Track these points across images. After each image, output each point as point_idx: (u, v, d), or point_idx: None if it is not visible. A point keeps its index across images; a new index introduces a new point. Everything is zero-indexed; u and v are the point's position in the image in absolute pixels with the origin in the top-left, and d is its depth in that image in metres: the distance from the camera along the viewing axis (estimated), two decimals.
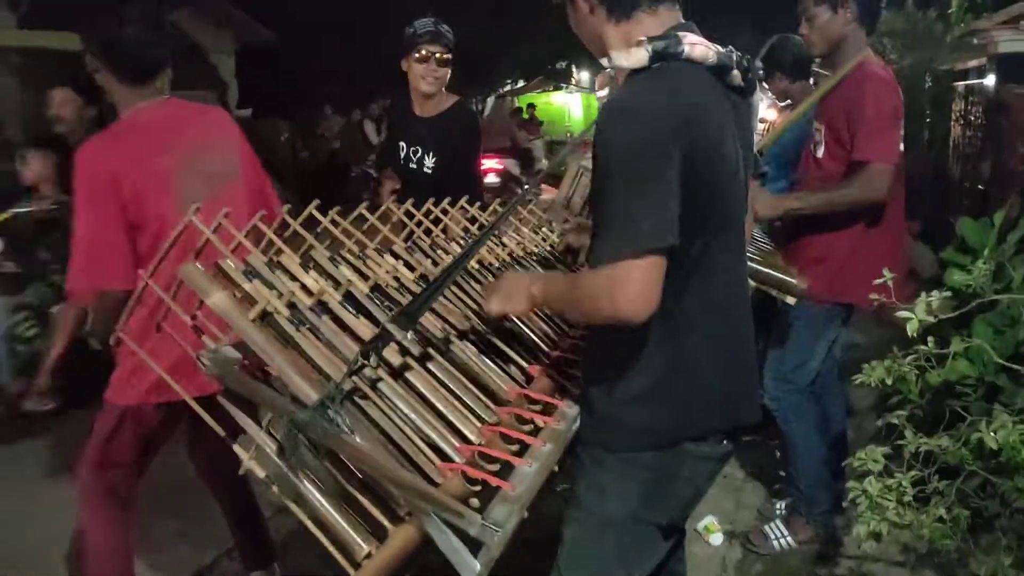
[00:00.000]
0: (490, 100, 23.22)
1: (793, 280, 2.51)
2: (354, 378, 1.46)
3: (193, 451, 2.60)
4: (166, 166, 2.17)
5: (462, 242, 2.14)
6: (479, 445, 1.48)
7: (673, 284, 1.38)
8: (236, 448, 1.57)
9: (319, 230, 1.86)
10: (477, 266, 2.05)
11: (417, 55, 3.05)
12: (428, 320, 1.70)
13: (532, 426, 1.59)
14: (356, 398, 1.46)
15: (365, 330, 1.58)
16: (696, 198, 1.38)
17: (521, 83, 24.74)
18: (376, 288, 1.75)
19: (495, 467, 1.44)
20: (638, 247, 1.32)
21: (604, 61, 1.49)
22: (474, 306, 1.88)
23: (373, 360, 1.48)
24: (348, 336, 1.57)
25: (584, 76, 28.80)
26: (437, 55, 3.05)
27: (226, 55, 13.56)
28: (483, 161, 14.34)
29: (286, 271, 1.65)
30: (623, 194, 1.36)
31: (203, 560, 3.01)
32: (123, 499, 2.35)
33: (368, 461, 1.35)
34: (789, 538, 2.98)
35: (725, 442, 1.60)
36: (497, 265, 2.12)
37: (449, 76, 3.11)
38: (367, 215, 1.99)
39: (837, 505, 2.94)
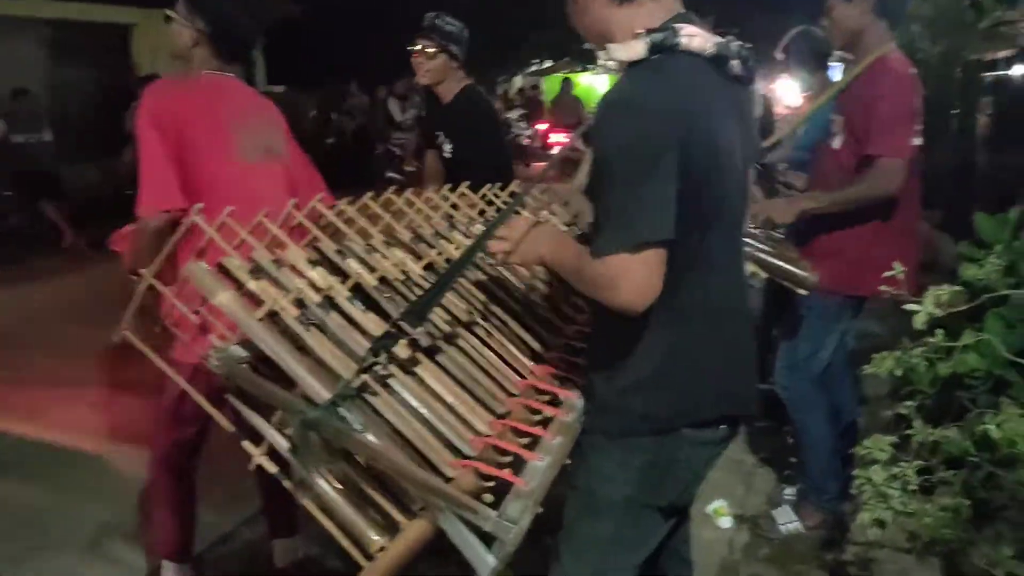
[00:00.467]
0: (517, 79, 23.13)
1: (804, 273, 2.55)
2: (364, 375, 1.47)
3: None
4: (225, 126, 2.33)
5: (466, 231, 2.16)
6: (491, 438, 1.51)
7: (672, 275, 1.41)
8: (245, 444, 1.57)
9: (323, 223, 1.89)
10: (481, 255, 2.06)
11: (414, 48, 3.22)
12: (436, 313, 1.71)
13: (541, 416, 1.62)
14: (367, 395, 1.48)
15: (373, 325, 1.60)
16: (694, 190, 1.41)
17: (548, 63, 24.61)
18: (383, 280, 1.76)
19: (507, 459, 1.47)
20: (635, 241, 1.36)
21: (602, 54, 1.49)
22: (481, 296, 1.90)
23: (383, 356, 1.49)
24: (356, 331, 1.59)
25: None
26: (425, 49, 3.18)
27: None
28: (552, 135, 14.22)
29: (292, 267, 1.66)
30: (621, 188, 1.38)
31: (226, 527, 3.09)
32: (186, 461, 2.54)
33: (381, 459, 1.37)
34: (798, 523, 3.03)
35: (723, 428, 1.63)
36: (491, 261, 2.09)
37: (445, 67, 3.21)
38: (371, 204, 2.00)
39: (846, 492, 2.98)
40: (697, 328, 1.54)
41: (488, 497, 1.38)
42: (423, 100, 14.48)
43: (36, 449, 3.74)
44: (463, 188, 2.33)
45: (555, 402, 1.70)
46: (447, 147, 3.33)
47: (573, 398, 1.69)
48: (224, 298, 1.50)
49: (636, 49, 1.43)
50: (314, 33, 15.59)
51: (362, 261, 1.78)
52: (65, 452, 3.69)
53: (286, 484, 1.54)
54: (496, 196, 2.43)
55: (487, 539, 1.34)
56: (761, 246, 2.57)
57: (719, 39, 1.49)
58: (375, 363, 1.49)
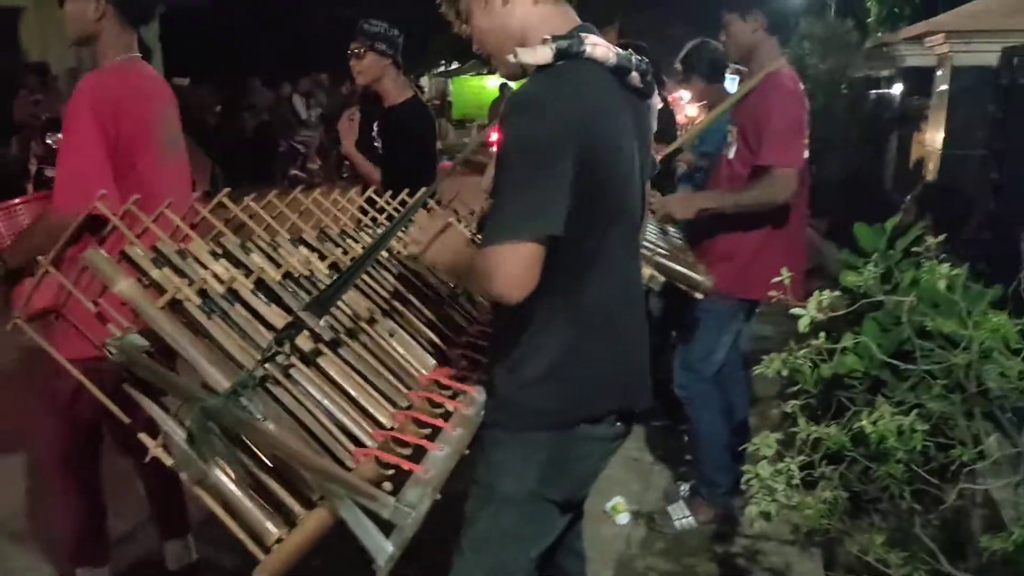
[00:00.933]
0: (424, 80, 23.06)
1: (700, 277, 2.65)
2: (266, 365, 1.47)
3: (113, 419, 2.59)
4: (153, 120, 2.31)
5: (370, 232, 2.18)
6: (392, 430, 1.52)
7: (569, 274, 1.47)
8: (142, 436, 1.54)
9: (231, 217, 1.86)
10: (386, 255, 2.08)
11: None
12: (339, 307, 1.72)
13: (443, 410, 1.64)
14: (269, 385, 1.47)
15: (277, 318, 1.60)
16: (591, 194, 1.46)
17: (455, 64, 24.63)
18: (287, 276, 1.76)
19: (408, 451, 1.48)
20: (517, 234, 1.40)
21: (510, 57, 1.52)
22: (385, 294, 1.92)
23: (286, 347, 1.49)
24: (259, 324, 1.58)
25: None
26: (354, 50, 3.32)
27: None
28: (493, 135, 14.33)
29: (196, 259, 1.64)
30: (514, 182, 1.43)
31: (123, 527, 2.99)
32: (87, 462, 2.46)
33: (281, 447, 1.36)
34: (691, 518, 3.15)
35: (619, 424, 1.69)
36: (406, 254, 2.14)
37: (376, 64, 3.34)
38: (277, 202, 2.00)
39: (736, 488, 3.12)
40: (593, 326, 1.59)
41: (387, 486, 1.39)
42: (328, 98, 14.23)
43: None
44: (370, 192, 2.35)
45: (457, 396, 1.72)
46: (382, 150, 3.45)
47: (474, 393, 1.72)
48: (124, 286, 1.47)
49: (543, 54, 1.48)
50: (213, 25, 15.15)
51: (267, 257, 1.77)
52: None
53: (182, 477, 1.50)
54: (404, 203, 2.44)
55: (386, 529, 1.35)
56: (659, 250, 2.66)
57: (621, 51, 1.56)
58: (278, 353, 1.48)
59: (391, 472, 1.43)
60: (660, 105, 3.86)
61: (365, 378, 1.62)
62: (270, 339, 1.50)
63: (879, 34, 8.86)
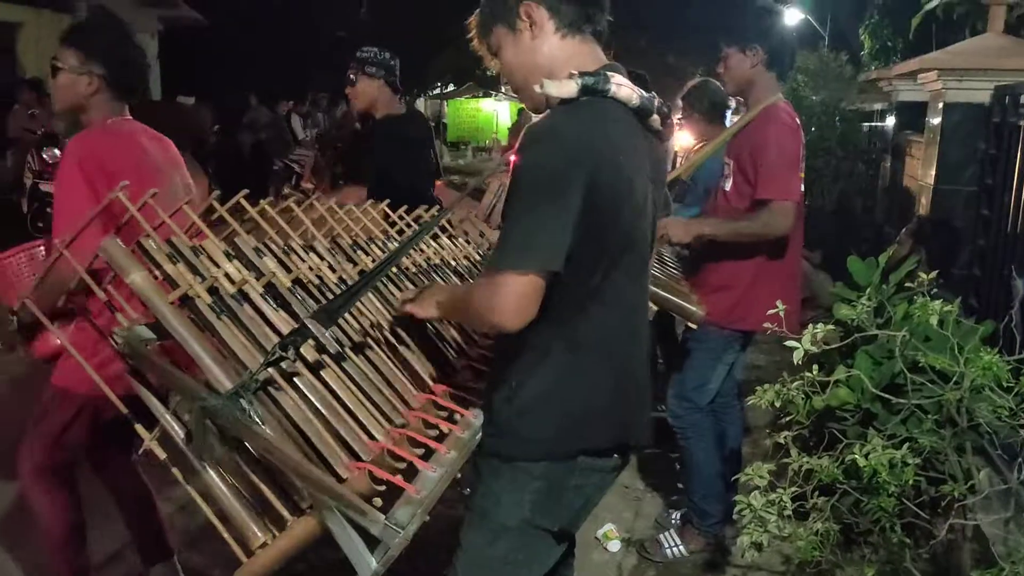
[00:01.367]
0: (420, 102, 23.19)
1: (693, 308, 2.68)
2: (269, 369, 1.47)
3: (89, 447, 2.56)
4: (140, 173, 2.23)
5: (381, 245, 2.20)
6: (387, 445, 1.52)
7: (572, 307, 1.49)
8: (138, 428, 1.56)
9: (246, 218, 1.87)
10: (395, 270, 2.08)
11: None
12: (345, 320, 1.73)
13: (438, 431, 1.65)
14: (270, 389, 1.47)
15: (283, 323, 1.61)
16: (600, 229, 1.48)
17: (451, 87, 24.79)
18: (297, 282, 1.77)
19: (401, 465, 1.49)
20: (520, 265, 1.42)
21: (536, 87, 1.54)
22: (391, 310, 1.93)
23: (290, 353, 1.50)
24: (267, 327, 1.59)
25: None
26: (349, 76, 3.46)
27: (148, 36, 13.20)
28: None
29: (209, 257, 1.65)
30: (523, 212, 1.45)
31: (105, 550, 2.95)
32: (71, 478, 2.46)
33: (276, 453, 1.36)
34: (681, 547, 3.15)
35: (616, 456, 1.70)
36: (414, 271, 2.16)
37: (369, 89, 3.46)
38: (295, 207, 2.03)
39: (728, 517, 3.12)
40: (595, 359, 1.61)
41: (378, 501, 1.38)
42: (326, 119, 14.29)
43: None
44: (383, 206, 2.35)
45: (452, 419, 1.72)
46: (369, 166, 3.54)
47: (470, 417, 1.72)
48: (137, 277, 1.48)
49: (568, 88, 1.50)
50: (211, 43, 15.23)
51: (279, 262, 1.78)
52: None
53: (175, 472, 1.53)
54: (418, 219, 2.46)
55: (371, 543, 1.34)
56: (655, 278, 2.69)
57: (644, 93, 1.59)
58: (282, 358, 1.49)
59: (383, 488, 1.43)
60: None
61: (364, 392, 1.63)
62: (275, 343, 1.51)
63: (872, 67, 8.99)
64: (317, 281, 1.83)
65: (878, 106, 7.00)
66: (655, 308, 2.77)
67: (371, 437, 1.54)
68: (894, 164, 6.10)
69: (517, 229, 1.45)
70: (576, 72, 1.52)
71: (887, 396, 2.21)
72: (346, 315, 1.74)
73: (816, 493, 2.13)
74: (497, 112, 24.56)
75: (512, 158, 1.59)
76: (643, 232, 1.65)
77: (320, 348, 1.60)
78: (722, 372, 3.07)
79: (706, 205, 3.28)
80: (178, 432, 1.47)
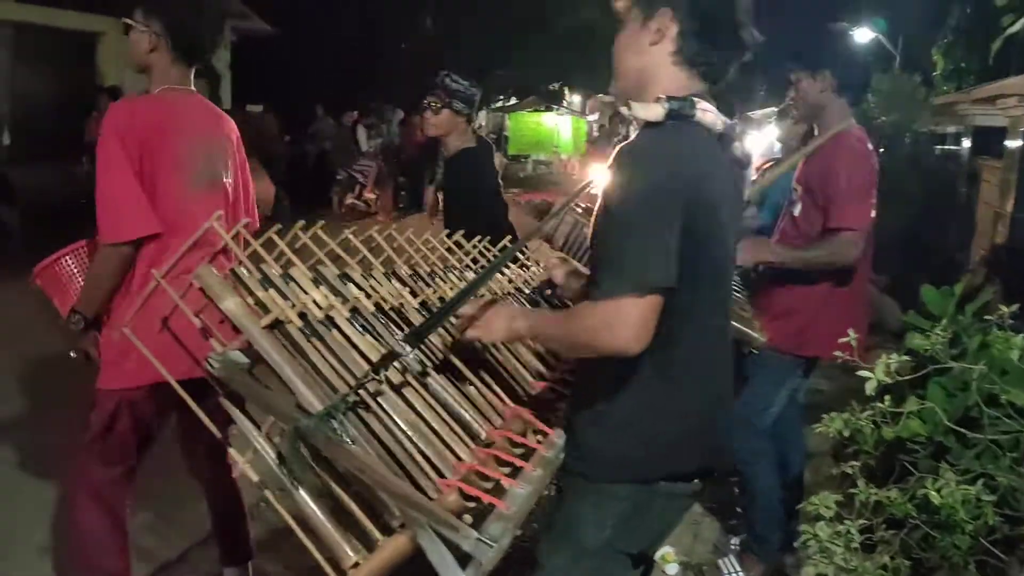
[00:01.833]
0: (481, 114, 23.41)
1: (755, 333, 2.65)
2: (359, 391, 1.51)
3: (185, 439, 2.62)
4: (182, 154, 2.31)
5: (460, 276, 2.23)
6: (474, 464, 1.55)
7: (663, 328, 1.47)
8: (232, 452, 1.59)
9: (325, 251, 1.90)
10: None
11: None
12: (429, 343, 1.78)
13: (524, 449, 1.67)
14: (359, 410, 1.51)
15: (369, 347, 1.64)
16: (692, 252, 1.48)
17: (513, 100, 24.93)
18: (378, 308, 1.81)
19: (488, 485, 1.51)
20: (642, 284, 1.42)
21: (624, 109, 1.56)
22: (455, 335, 1.95)
23: (381, 375, 1.54)
24: (353, 351, 1.63)
25: (576, 99, 29.07)
26: (431, 104, 3.41)
27: (222, 46, 13.58)
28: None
29: (297, 284, 1.69)
30: (632, 233, 1.45)
31: (169, 554, 3.02)
32: (118, 497, 2.40)
33: (368, 471, 1.38)
34: (741, 574, 3.11)
35: (698, 481, 1.69)
36: (488, 297, 2.17)
37: (449, 121, 3.43)
38: (376, 236, 2.06)
39: (788, 545, 3.07)
40: (685, 384, 1.61)
41: (467, 518, 1.40)
42: (389, 130, 14.50)
43: None
44: (458, 236, 2.39)
45: (536, 436, 1.74)
46: (443, 195, 3.62)
47: (553, 435, 1.73)
48: (231, 304, 1.52)
49: (655, 111, 1.52)
50: (282, 53, 15.59)
51: (360, 288, 1.82)
52: None
53: (266, 494, 1.54)
54: (487, 249, 2.48)
55: (462, 561, 1.35)
56: None
57: (728, 120, 1.60)
58: (372, 380, 1.52)
59: (472, 505, 1.45)
60: None
61: (449, 412, 1.66)
62: (365, 366, 1.54)
63: (944, 88, 8.79)
64: (398, 306, 1.87)
65: (952, 129, 6.85)
66: None
67: (457, 457, 1.56)
68: (968, 189, 5.95)
69: (628, 250, 1.45)
70: (663, 96, 1.53)
71: (961, 430, 2.15)
72: (431, 337, 1.77)
73: (884, 526, 2.09)
74: (558, 126, 24.61)
75: (593, 174, 1.60)
76: (726, 257, 1.66)
77: (404, 369, 1.63)
78: (784, 397, 3.03)
79: (774, 227, 3.25)
80: (270, 453, 1.49)
